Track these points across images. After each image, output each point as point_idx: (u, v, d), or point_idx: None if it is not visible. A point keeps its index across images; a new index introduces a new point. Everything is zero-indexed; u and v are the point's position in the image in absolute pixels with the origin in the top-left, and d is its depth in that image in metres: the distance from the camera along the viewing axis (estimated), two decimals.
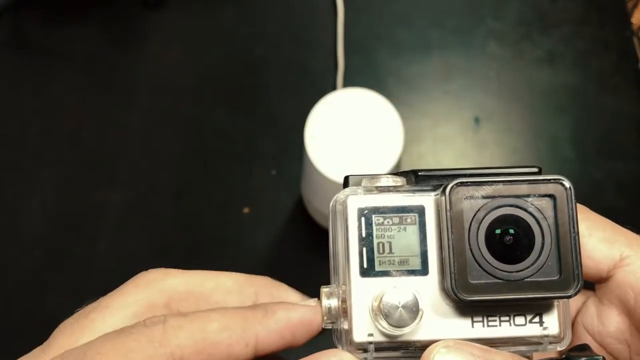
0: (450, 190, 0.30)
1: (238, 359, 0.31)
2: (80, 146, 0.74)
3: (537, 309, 0.31)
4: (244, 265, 0.69)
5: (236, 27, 0.79)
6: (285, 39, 0.78)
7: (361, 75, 0.77)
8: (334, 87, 0.76)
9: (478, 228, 0.30)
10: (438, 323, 0.31)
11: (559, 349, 0.31)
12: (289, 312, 0.32)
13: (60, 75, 0.77)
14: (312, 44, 0.79)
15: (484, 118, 0.76)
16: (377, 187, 0.32)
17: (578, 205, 0.31)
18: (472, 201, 0.30)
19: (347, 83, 0.75)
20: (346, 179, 0.32)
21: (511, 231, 0.30)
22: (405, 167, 0.72)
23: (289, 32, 0.79)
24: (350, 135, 0.62)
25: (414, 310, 0.30)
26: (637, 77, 0.77)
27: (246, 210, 0.72)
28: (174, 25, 0.79)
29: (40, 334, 0.71)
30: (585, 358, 0.30)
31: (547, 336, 0.31)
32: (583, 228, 0.32)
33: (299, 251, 0.70)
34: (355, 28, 0.78)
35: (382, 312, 0.30)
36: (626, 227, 0.34)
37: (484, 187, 0.30)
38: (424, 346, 0.30)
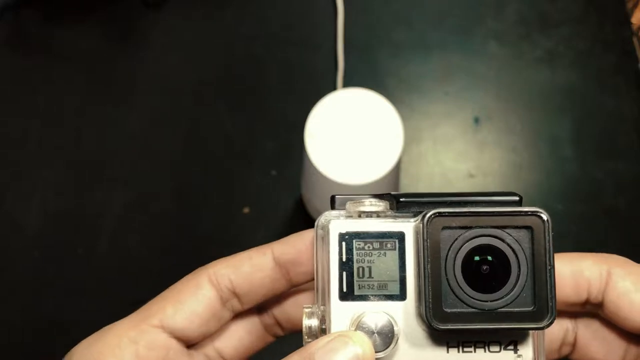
0: (428, 220, 0.30)
1: (259, 265, 0.34)
2: (80, 146, 0.74)
3: (512, 336, 0.31)
4: None
5: (236, 27, 0.79)
6: (285, 39, 0.78)
7: (361, 76, 0.77)
8: (334, 87, 0.76)
9: (455, 257, 0.30)
10: (413, 348, 0.31)
11: None
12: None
13: (60, 75, 0.77)
14: (312, 44, 0.79)
15: (484, 118, 0.76)
16: (359, 212, 0.32)
17: (622, 257, 0.32)
18: (449, 231, 0.30)
19: (347, 83, 0.75)
20: (332, 198, 0.33)
21: (488, 260, 0.31)
22: (406, 167, 0.72)
23: (289, 32, 0.79)
24: (350, 135, 0.62)
25: (389, 336, 0.30)
26: (637, 77, 0.77)
27: (246, 210, 0.72)
28: (174, 25, 0.79)
29: (40, 334, 0.71)
30: None
31: None
32: (628, 284, 0.32)
33: None
34: (355, 28, 0.78)
35: None
36: None
37: (462, 217, 0.30)
38: None
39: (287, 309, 0.36)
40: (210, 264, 0.35)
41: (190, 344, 0.35)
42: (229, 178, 0.73)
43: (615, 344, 0.34)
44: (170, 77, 0.77)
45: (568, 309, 0.34)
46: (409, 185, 0.72)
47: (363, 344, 0.30)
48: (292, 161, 0.71)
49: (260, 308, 0.37)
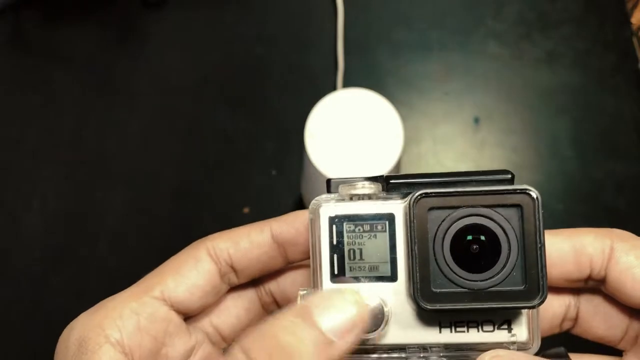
0: (414, 201, 0.30)
1: (257, 242, 0.35)
2: (80, 146, 0.74)
3: (506, 315, 0.31)
4: None
5: (236, 27, 0.79)
6: (285, 39, 0.78)
7: (361, 75, 0.77)
8: (334, 87, 0.76)
9: (443, 238, 0.30)
10: (405, 328, 0.31)
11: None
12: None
13: (60, 75, 0.77)
14: (312, 44, 0.79)
15: (484, 118, 0.76)
16: (351, 195, 0.32)
17: (625, 232, 0.32)
18: (437, 211, 0.30)
19: (347, 83, 0.75)
20: (328, 182, 0.33)
21: (479, 239, 0.30)
22: (406, 167, 0.72)
23: (289, 32, 0.79)
24: (350, 135, 0.62)
25: (379, 317, 0.31)
26: (637, 77, 0.77)
27: (246, 210, 0.72)
28: (174, 25, 0.79)
29: (40, 334, 0.71)
30: None
31: (515, 342, 0.31)
32: (632, 258, 0.32)
33: None
34: (355, 28, 0.78)
35: None
36: None
37: (449, 197, 0.30)
38: (391, 350, 0.31)
39: (284, 287, 0.36)
40: (209, 237, 0.35)
41: (188, 317, 0.35)
42: (229, 178, 0.73)
43: (617, 319, 0.34)
44: (170, 77, 0.77)
45: (570, 285, 0.34)
46: None
47: (358, 301, 0.30)
48: (292, 161, 0.71)
49: (258, 285, 0.37)
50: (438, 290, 0.30)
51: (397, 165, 0.63)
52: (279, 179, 0.73)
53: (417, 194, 0.30)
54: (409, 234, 0.30)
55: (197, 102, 0.76)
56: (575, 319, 0.35)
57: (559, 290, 0.35)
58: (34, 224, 0.71)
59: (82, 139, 0.74)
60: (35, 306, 0.68)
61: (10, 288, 0.69)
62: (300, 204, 0.71)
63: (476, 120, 0.75)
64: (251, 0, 0.80)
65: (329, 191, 0.33)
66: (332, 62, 0.77)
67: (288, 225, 0.35)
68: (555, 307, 0.35)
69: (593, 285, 0.34)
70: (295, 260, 0.35)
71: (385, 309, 0.31)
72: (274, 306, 0.37)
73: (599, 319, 0.34)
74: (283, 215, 0.35)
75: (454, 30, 0.79)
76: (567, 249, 0.33)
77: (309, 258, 0.34)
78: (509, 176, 0.31)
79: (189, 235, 0.71)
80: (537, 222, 0.30)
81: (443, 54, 0.78)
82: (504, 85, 0.77)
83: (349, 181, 0.33)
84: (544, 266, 0.30)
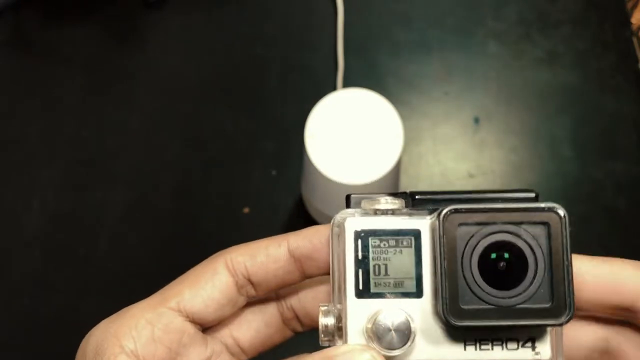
0: (444, 217, 0.30)
1: (274, 256, 0.34)
2: (80, 146, 0.74)
3: (530, 333, 0.31)
4: None
5: (236, 27, 0.79)
6: (285, 39, 0.78)
7: (361, 76, 0.77)
8: (334, 87, 0.76)
9: (471, 254, 0.30)
10: (431, 346, 0.31)
11: None
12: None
13: (60, 75, 0.77)
14: (312, 44, 0.79)
15: (483, 118, 0.76)
16: (374, 210, 0.32)
17: None
18: (466, 227, 0.30)
19: (347, 83, 0.75)
20: (348, 197, 0.33)
21: (505, 257, 0.30)
22: (405, 167, 0.72)
23: (289, 32, 0.79)
24: (350, 135, 0.62)
25: (405, 333, 0.30)
26: (637, 77, 0.77)
27: (246, 210, 0.72)
28: (174, 25, 0.79)
29: (40, 334, 0.71)
30: None
31: None
32: None
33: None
34: (355, 28, 0.78)
35: (375, 334, 0.30)
36: None
37: (478, 214, 0.30)
38: None
39: (305, 302, 0.36)
40: (227, 249, 0.35)
41: (205, 328, 0.35)
42: (229, 178, 0.73)
43: None
44: (170, 77, 0.77)
45: (604, 314, 0.34)
46: (409, 185, 0.72)
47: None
48: (292, 161, 0.71)
49: (279, 299, 0.37)
50: (466, 307, 0.30)
51: (397, 165, 0.63)
52: (279, 179, 0.73)
53: (447, 209, 0.30)
54: (438, 249, 0.30)
55: (197, 102, 0.76)
56: (608, 352, 0.35)
57: (592, 319, 0.34)
58: (34, 224, 0.71)
59: (82, 139, 0.74)
60: (35, 306, 0.69)
61: (10, 288, 0.69)
62: (301, 204, 0.71)
63: (476, 121, 0.76)
64: (251, 0, 0.80)
65: (348, 206, 0.33)
66: (332, 62, 0.77)
67: (305, 240, 0.34)
68: (587, 336, 0.34)
69: (629, 317, 0.33)
70: (312, 276, 0.35)
71: (412, 325, 0.31)
72: (295, 322, 0.37)
73: (633, 353, 0.34)
74: (301, 230, 0.35)
75: (454, 30, 0.79)
76: (605, 276, 0.33)
77: (326, 274, 0.34)
78: (533, 195, 0.32)
79: (189, 235, 0.71)
80: (564, 240, 0.30)
81: (443, 54, 0.78)
82: (504, 85, 0.77)
83: (370, 197, 0.33)
84: (570, 284, 0.30)
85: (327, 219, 0.68)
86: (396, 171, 0.63)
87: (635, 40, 0.78)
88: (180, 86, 0.76)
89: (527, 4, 0.80)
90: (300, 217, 0.71)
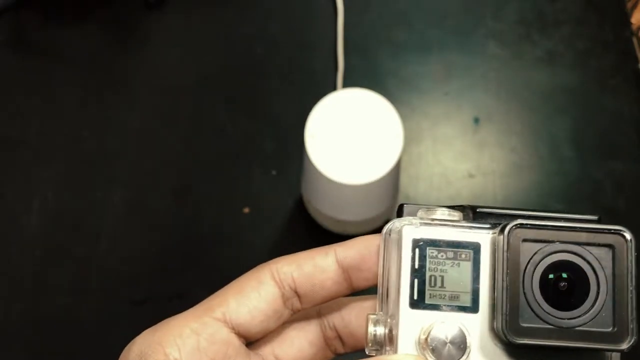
0: (509, 231, 0.30)
1: (322, 266, 0.34)
2: (80, 146, 0.74)
3: (588, 357, 0.30)
4: (243, 266, 0.69)
5: (236, 27, 0.79)
6: (285, 39, 0.79)
7: (361, 76, 0.77)
8: (334, 88, 0.76)
9: (533, 271, 0.30)
10: None
11: None
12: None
13: (60, 75, 0.77)
14: (312, 44, 0.79)
15: (483, 118, 0.76)
16: (433, 220, 0.31)
17: None
18: (529, 244, 0.30)
19: (347, 83, 0.75)
20: (400, 207, 0.32)
21: (565, 276, 0.30)
22: (405, 167, 0.72)
23: (289, 32, 0.79)
24: (350, 135, 0.62)
25: (461, 347, 0.30)
26: (637, 77, 0.77)
27: (246, 210, 0.72)
28: (174, 25, 0.79)
29: (40, 334, 0.71)
30: None
31: None
32: None
33: (299, 251, 0.70)
34: (355, 29, 0.78)
35: (429, 346, 0.30)
36: None
37: (544, 231, 0.30)
38: None
39: (348, 320, 0.35)
40: (272, 260, 0.34)
41: (249, 341, 0.34)
42: (229, 178, 0.73)
43: None
44: (170, 77, 0.77)
45: None
46: (409, 185, 0.73)
47: None
48: (292, 161, 0.71)
49: (321, 317, 0.36)
50: (525, 325, 0.29)
51: (397, 165, 0.63)
52: (279, 179, 0.73)
53: (513, 224, 0.30)
54: (500, 264, 0.30)
55: (197, 102, 0.76)
56: None
57: None
58: (34, 224, 0.71)
59: (82, 139, 0.74)
60: (35, 306, 0.69)
61: (10, 288, 0.69)
62: (301, 204, 0.71)
63: (476, 121, 0.76)
64: (251, 0, 0.80)
65: (399, 216, 0.32)
66: (332, 62, 0.77)
67: (353, 250, 0.34)
68: None
69: None
70: (360, 288, 0.34)
71: (468, 339, 0.30)
72: (337, 341, 0.36)
73: None
74: (349, 240, 0.34)
75: (454, 30, 0.79)
76: None
77: (374, 286, 0.33)
78: (596, 218, 0.31)
79: (189, 236, 0.71)
80: (630, 265, 0.30)
81: (443, 54, 0.78)
82: (504, 85, 0.77)
83: (427, 207, 0.32)
84: (634, 310, 0.29)
85: (327, 219, 0.68)
86: (396, 171, 0.63)
87: (635, 40, 0.78)
88: (180, 86, 0.76)
89: (527, 4, 0.80)
90: (300, 217, 0.71)
